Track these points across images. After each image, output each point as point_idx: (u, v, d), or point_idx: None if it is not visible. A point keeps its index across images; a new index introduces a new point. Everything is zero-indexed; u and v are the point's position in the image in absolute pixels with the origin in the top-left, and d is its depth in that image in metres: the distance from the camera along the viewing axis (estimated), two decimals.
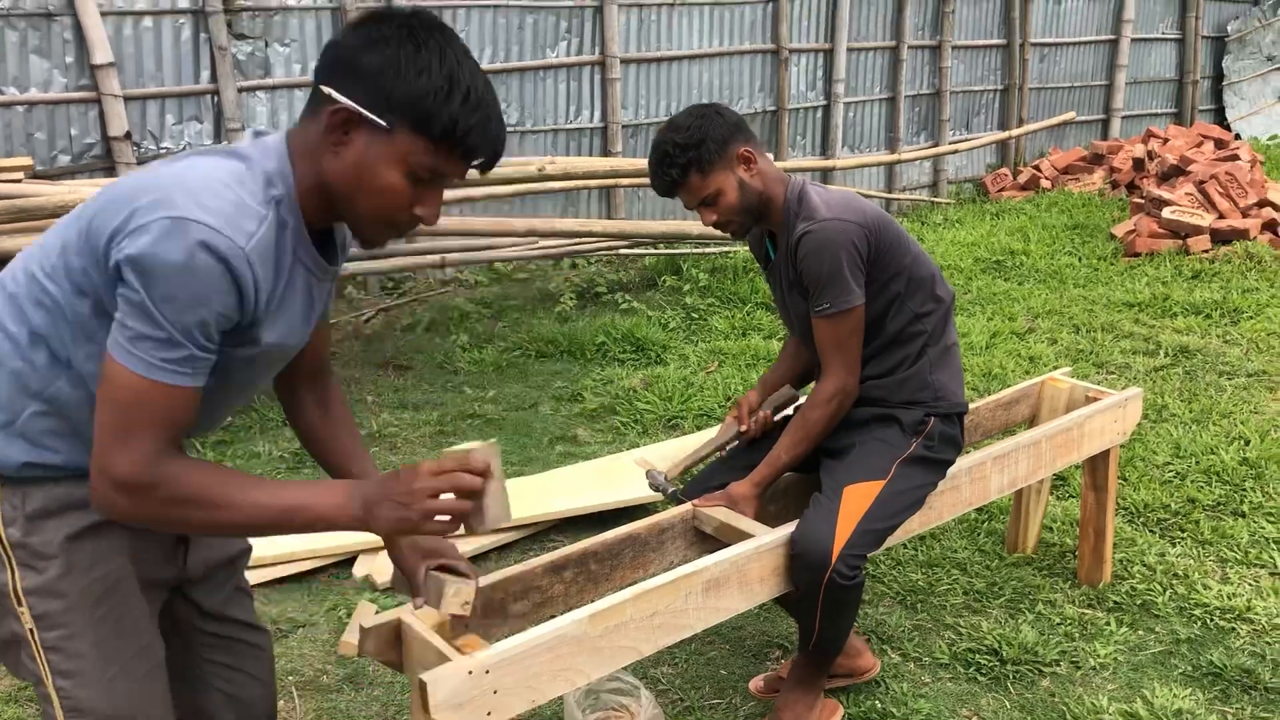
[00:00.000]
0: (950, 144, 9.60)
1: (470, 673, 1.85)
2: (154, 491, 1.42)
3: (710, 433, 4.42)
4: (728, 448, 2.79)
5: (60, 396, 1.49)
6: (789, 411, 2.76)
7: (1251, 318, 5.84)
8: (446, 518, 1.50)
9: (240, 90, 6.27)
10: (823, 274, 2.41)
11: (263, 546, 3.40)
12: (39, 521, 1.51)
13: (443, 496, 1.49)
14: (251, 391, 1.72)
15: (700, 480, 2.69)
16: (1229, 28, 12.10)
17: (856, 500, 2.41)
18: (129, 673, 1.59)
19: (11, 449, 1.50)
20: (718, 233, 6.35)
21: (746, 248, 6.95)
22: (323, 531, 1.53)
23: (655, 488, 2.76)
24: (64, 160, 5.63)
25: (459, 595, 1.76)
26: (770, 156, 2.67)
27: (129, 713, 1.59)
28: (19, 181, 4.34)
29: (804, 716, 2.55)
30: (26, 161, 4.76)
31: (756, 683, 2.80)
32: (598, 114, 7.75)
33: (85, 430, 1.48)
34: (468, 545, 3.52)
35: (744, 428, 2.72)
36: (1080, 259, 7.35)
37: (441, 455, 1.53)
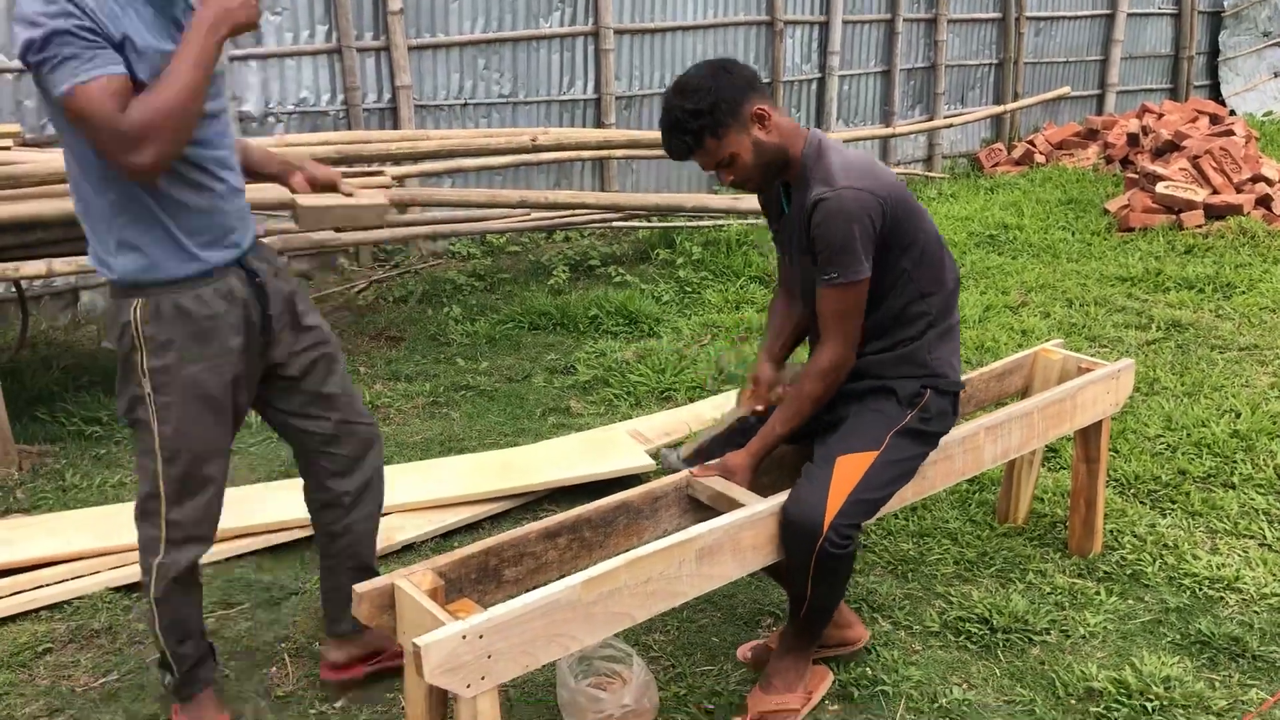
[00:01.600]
0: (945, 118, 9.58)
1: (464, 637, 1.86)
2: (146, 130, 1.99)
3: (700, 405, 4.44)
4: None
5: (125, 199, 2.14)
6: None
7: (1244, 292, 5.85)
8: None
9: (232, 59, 6.22)
10: (834, 243, 2.36)
11: (256, 514, 3.41)
12: (165, 322, 2.20)
13: None
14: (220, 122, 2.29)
15: (696, 452, 2.69)
16: (1225, 3, 12.06)
17: (849, 470, 2.40)
18: (206, 429, 2.29)
19: (133, 262, 2.17)
20: (711, 206, 6.40)
21: (739, 222, 6.93)
22: (214, 47, 2.09)
23: (671, 469, 2.68)
24: (53, 129, 5.57)
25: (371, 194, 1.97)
26: (783, 109, 2.63)
27: (202, 452, 2.30)
28: (8, 149, 4.30)
29: (794, 684, 2.56)
30: (16, 129, 4.71)
31: (744, 652, 2.81)
32: (591, 85, 7.71)
33: (168, 234, 2.18)
34: (458, 516, 3.53)
35: (761, 408, 2.65)
36: (1074, 234, 7.35)
37: None
